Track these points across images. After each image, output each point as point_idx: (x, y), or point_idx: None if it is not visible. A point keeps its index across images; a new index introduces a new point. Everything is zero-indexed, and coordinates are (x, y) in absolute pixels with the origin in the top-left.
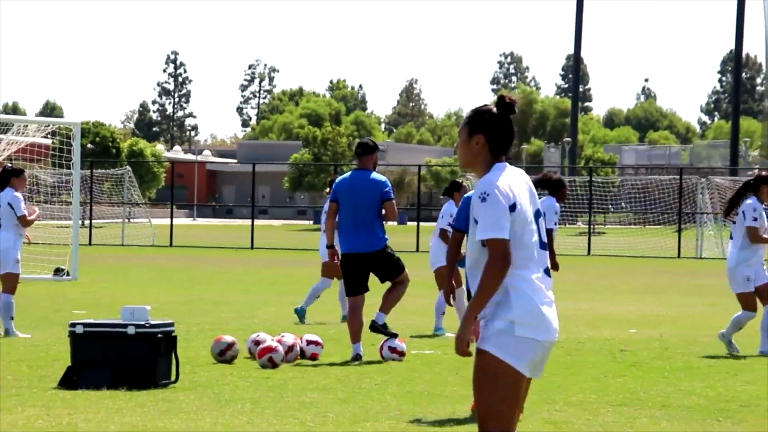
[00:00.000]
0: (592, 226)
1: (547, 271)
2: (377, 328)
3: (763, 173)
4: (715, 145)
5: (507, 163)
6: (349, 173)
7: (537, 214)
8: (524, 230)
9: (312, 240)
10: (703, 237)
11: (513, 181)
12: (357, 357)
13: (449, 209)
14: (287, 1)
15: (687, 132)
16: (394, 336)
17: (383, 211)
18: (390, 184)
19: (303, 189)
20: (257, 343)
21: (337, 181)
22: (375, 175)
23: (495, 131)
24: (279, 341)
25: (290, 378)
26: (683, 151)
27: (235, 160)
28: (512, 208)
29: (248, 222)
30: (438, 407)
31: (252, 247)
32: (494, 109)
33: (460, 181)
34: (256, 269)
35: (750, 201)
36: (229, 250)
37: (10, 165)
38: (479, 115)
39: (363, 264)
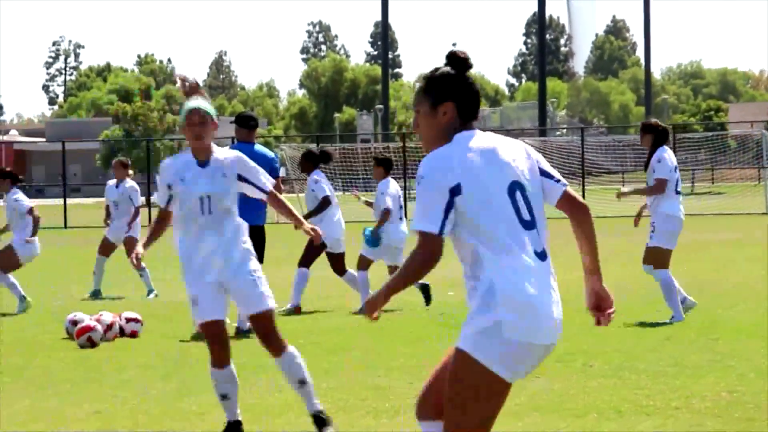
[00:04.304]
0: (407, 192)
1: (540, 255)
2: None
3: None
4: (523, 106)
5: (475, 130)
6: (231, 146)
7: (513, 187)
8: (490, 211)
9: None
10: None
11: (466, 153)
12: (249, 331)
13: None
14: None
15: (496, 95)
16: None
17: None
18: (278, 158)
19: None
20: (75, 323)
21: None
22: (261, 148)
23: (463, 94)
24: (97, 320)
25: (110, 356)
26: (493, 114)
27: (44, 139)
28: (455, 190)
29: (60, 201)
30: (255, 383)
31: (65, 227)
32: (451, 70)
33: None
34: (70, 248)
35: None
36: (42, 231)
37: None
38: (440, 79)
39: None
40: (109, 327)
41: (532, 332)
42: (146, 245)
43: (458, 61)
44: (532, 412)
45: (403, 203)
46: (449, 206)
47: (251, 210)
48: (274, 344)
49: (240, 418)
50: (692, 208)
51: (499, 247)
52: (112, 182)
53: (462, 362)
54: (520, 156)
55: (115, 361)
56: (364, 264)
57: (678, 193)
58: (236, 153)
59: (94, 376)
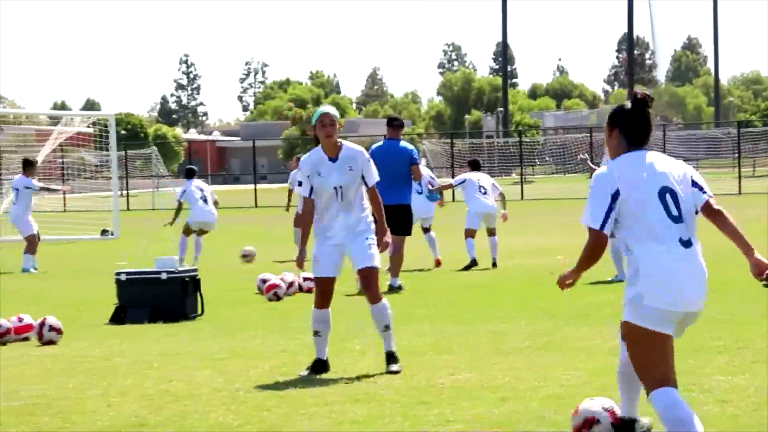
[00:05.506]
0: (523, 177)
1: (685, 243)
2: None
3: None
4: None
5: (639, 151)
6: (382, 142)
7: (663, 191)
8: (642, 209)
9: None
10: None
11: (626, 167)
12: (399, 288)
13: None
14: (274, 8)
15: (594, 99)
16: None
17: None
18: (417, 151)
19: None
20: (264, 281)
21: (374, 147)
22: (404, 143)
23: (628, 125)
24: (281, 279)
25: (292, 308)
26: (592, 114)
27: (239, 138)
28: (615, 195)
29: (252, 186)
30: (402, 329)
31: (256, 206)
32: (628, 106)
33: None
34: (259, 224)
35: None
36: (238, 209)
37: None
38: (615, 112)
39: (396, 213)
40: (290, 284)
41: (665, 302)
42: (304, 244)
43: (637, 101)
44: (606, 355)
45: (484, 184)
46: (610, 208)
47: (399, 191)
48: (372, 294)
49: (326, 358)
50: (756, 188)
51: (645, 236)
52: (294, 172)
53: (625, 329)
54: (675, 170)
55: (295, 311)
56: (471, 234)
57: None
58: (359, 150)
59: (281, 324)
